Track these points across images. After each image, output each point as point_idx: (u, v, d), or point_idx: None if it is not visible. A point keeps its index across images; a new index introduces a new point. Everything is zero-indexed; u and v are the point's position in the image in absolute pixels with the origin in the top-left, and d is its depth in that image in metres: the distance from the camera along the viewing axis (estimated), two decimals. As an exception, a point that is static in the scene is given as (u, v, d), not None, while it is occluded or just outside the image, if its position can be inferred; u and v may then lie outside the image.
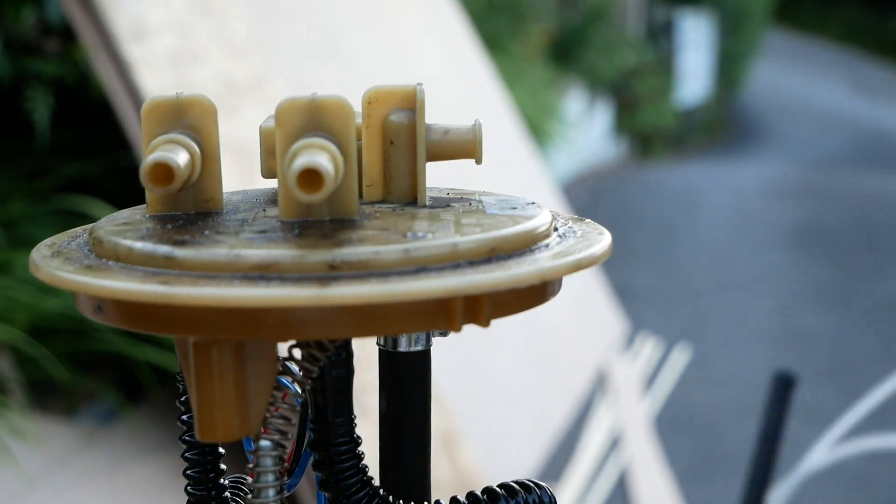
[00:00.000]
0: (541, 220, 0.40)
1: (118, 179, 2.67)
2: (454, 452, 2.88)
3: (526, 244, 0.38)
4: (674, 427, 4.07)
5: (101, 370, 2.73)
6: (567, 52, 8.63)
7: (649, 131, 10.91)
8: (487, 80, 4.82)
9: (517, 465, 3.25)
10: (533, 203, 0.41)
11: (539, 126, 6.23)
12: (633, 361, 4.61)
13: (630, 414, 4.04)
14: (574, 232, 0.41)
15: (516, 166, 4.66)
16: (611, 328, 4.72)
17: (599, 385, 4.28)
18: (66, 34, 2.68)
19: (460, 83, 4.44)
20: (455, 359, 3.31)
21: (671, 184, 9.15)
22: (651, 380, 4.49)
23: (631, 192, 8.56)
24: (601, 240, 0.39)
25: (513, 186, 4.13)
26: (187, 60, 2.72)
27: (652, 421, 4.07)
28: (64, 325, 2.55)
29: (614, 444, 3.82)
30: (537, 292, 0.38)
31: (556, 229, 0.40)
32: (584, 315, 4.54)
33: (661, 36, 11.77)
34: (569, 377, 4.15)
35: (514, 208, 0.40)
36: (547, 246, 0.39)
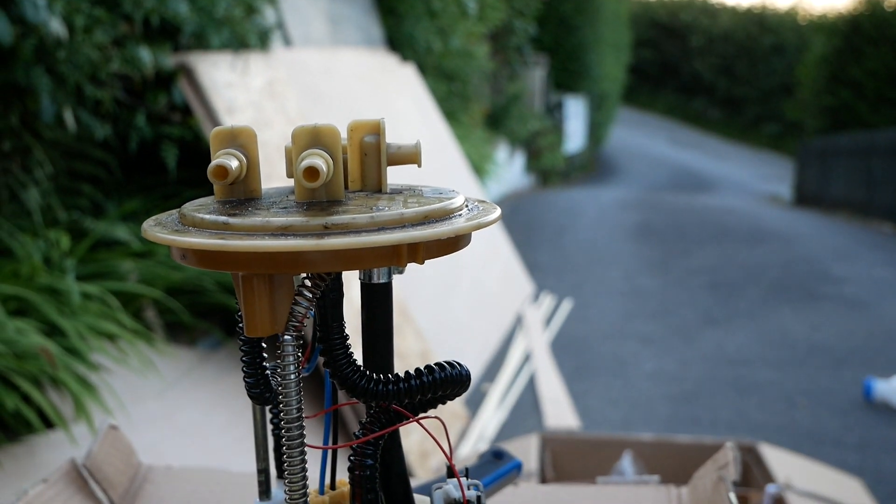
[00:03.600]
0: (457, 201, 0.40)
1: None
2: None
3: (447, 213, 0.38)
4: (563, 347, 4.08)
5: (211, 316, 2.72)
6: (497, 121, 8.65)
7: (548, 169, 10.96)
8: (448, 138, 4.82)
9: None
10: (453, 191, 0.41)
11: (480, 166, 6.24)
12: (538, 308, 4.63)
13: (536, 340, 4.06)
14: (478, 208, 0.40)
15: (465, 190, 4.69)
16: (525, 288, 4.75)
17: (518, 322, 4.29)
18: (186, 110, 2.67)
19: (431, 140, 4.44)
20: (430, 306, 3.31)
21: (561, 201, 9.20)
22: (549, 319, 4.50)
23: (537, 206, 8.60)
24: (494, 212, 0.40)
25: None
26: (261, 127, 2.71)
27: (549, 344, 4.09)
28: (186, 289, 2.54)
29: (527, 358, 3.83)
30: (454, 242, 0.38)
31: (467, 206, 0.40)
32: (509, 280, 4.56)
33: (554, 111, 11.81)
34: (500, 317, 4.17)
35: (441, 194, 0.40)
36: (460, 215, 0.38)
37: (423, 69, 5.35)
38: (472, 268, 4.05)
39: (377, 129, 0.40)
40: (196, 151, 2.71)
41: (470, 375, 0.43)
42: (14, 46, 1.91)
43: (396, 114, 4.19)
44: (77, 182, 2.70)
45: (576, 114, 12.58)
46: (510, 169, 9.26)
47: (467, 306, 3.81)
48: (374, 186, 0.40)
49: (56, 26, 1.95)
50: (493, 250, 4.50)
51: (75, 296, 1.99)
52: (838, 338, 4.31)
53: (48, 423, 1.84)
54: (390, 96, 4.31)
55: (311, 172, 0.36)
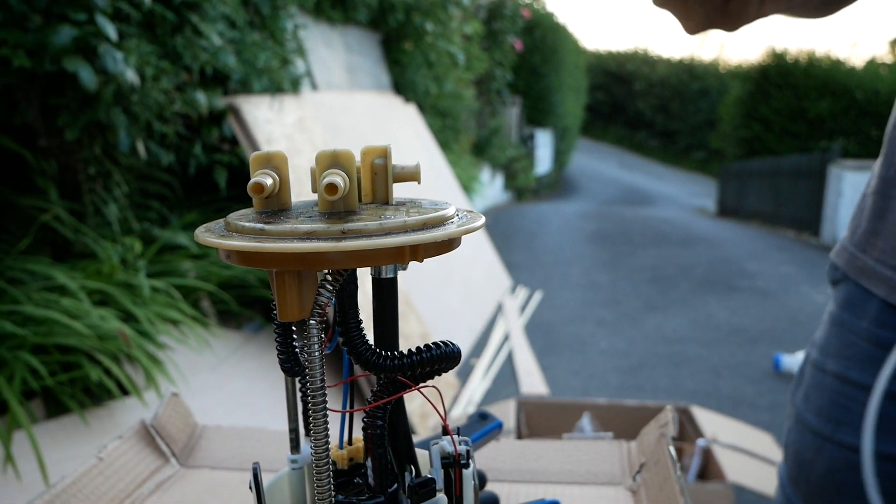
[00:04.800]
0: (450, 211, 0.39)
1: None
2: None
3: (442, 221, 0.37)
4: (534, 329, 4.08)
5: (254, 306, 2.70)
6: (481, 149, 8.64)
7: (522, 187, 10.95)
8: (442, 162, 4.81)
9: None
10: (447, 202, 0.40)
11: (468, 185, 6.23)
12: (515, 298, 4.62)
13: (513, 324, 4.05)
14: (467, 216, 0.40)
15: (455, 204, 4.68)
16: (504, 281, 4.73)
17: (499, 310, 4.28)
18: (233, 141, 2.66)
19: (429, 164, 4.43)
20: (429, 297, 3.30)
21: (533, 213, 9.19)
22: (523, 307, 4.49)
23: (513, 217, 8.59)
24: (479, 220, 0.39)
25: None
26: (293, 154, 2.69)
27: (524, 327, 4.08)
28: (234, 283, 2.53)
29: (506, 338, 3.82)
30: (447, 244, 0.37)
31: (458, 215, 0.39)
32: (491, 276, 4.55)
33: (527, 141, 11.81)
34: (484, 306, 4.16)
35: (437, 205, 0.39)
36: (452, 222, 0.38)
37: (422, 108, 5.34)
38: (462, 266, 4.04)
39: (385, 153, 0.39)
40: (242, 174, 2.70)
41: (460, 353, 0.43)
42: (98, 92, 1.90)
43: (401, 144, 4.18)
44: (147, 199, 2.69)
45: (544, 143, 12.58)
46: (492, 187, 9.26)
47: (458, 297, 3.80)
48: (383, 199, 0.39)
49: (131, 75, 1.94)
50: (478, 252, 4.49)
51: (146, 289, 1.98)
52: (752, 321, 4.31)
53: (124, 391, 1.83)
54: (396, 130, 4.30)
55: (331, 188, 0.35)
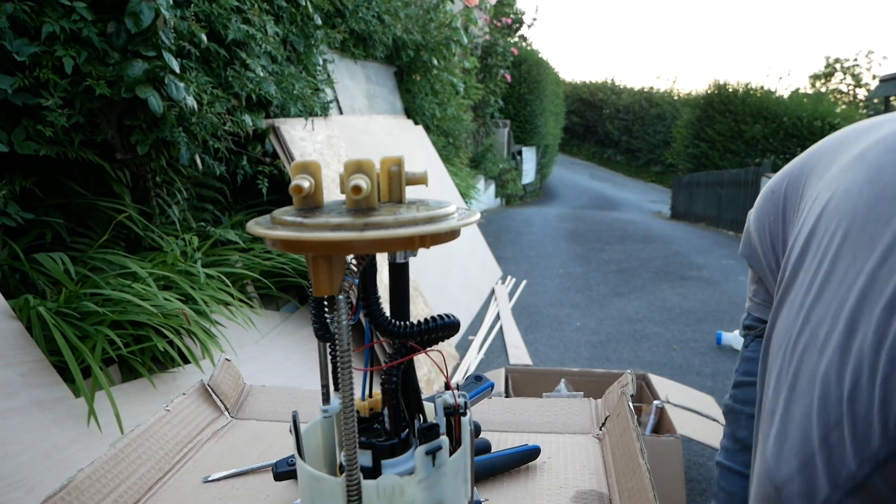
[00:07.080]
0: (451, 208, 0.39)
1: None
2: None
3: (445, 216, 0.37)
4: (520, 311, 4.08)
5: (290, 291, 2.70)
6: (477, 163, 8.63)
7: (510, 194, 10.93)
8: (445, 174, 4.80)
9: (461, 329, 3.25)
10: (450, 202, 0.41)
11: (466, 193, 6.22)
12: (505, 286, 4.62)
13: (503, 307, 4.05)
14: (465, 213, 0.40)
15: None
16: (495, 272, 4.73)
17: (491, 295, 4.28)
18: (274, 155, 2.66)
19: (433, 175, 4.43)
20: (433, 284, 3.30)
21: (520, 216, 9.17)
22: (511, 293, 4.49)
23: (503, 219, 8.57)
24: (475, 216, 0.39)
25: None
26: (322, 167, 2.69)
27: (511, 309, 4.08)
28: (274, 272, 2.53)
29: (497, 318, 3.83)
30: (450, 234, 0.37)
31: (458, 212, 0.40)
32: (485, 267, 4.55)
33: (515, 156, 11.78)
34: (480, 292, 4.15)
35: (441, 204, 0.40)
36: (454, 217, 0.38)
37: (429, 129, 5.34)
38: (460, 259, 4.04)
39: (399, 162, 0.40)
40: (280, 183, 2.70)
41: (459, 323, 0.43)
42: (164, 114, 1.90)
43: (411, 158, 4.18)
44: (203, 203, 2.69)
45: (529, 158, 12.55)
46: (486, 194, 9.25)
47: (458, 284, 3.80)
48: (397, 199, 0.40)
49: (190, 101, 1.94)
50: (474, 247, 4.49)
51: (202, 276, 1.99)
52: (699, 304, 4.31)
53: (185, 360, 1.84)
54: (407, 146, 4.30)
55: (357, 189, 0.36)
